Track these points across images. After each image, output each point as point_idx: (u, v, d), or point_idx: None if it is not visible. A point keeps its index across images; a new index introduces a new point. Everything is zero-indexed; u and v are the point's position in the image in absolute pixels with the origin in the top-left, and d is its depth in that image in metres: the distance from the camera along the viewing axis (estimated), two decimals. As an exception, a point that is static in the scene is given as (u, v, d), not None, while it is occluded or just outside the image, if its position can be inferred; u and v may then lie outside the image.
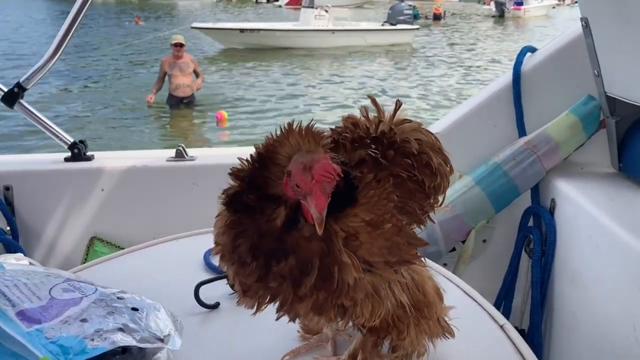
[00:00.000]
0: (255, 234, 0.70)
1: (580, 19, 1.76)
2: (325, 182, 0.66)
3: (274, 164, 0.70)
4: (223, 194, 0.74)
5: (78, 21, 2.02)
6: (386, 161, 0.80)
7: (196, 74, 8.96)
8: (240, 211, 0.72)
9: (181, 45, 8.55)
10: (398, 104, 0.86)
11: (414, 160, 0.82)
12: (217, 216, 0.77)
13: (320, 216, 0.66)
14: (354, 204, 0.72)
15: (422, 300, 0.84)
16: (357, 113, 0.88)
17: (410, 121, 0.86)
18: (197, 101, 9.39)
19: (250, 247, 0.70)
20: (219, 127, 9.07)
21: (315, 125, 0.71)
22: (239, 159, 0.75)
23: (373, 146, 0.80)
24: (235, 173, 0.74)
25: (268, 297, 0.73)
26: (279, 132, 0.71)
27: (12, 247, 2.02)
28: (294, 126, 0.70)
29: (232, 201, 0.73)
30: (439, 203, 0.87)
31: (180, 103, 9.08)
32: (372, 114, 0.87)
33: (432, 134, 0.87)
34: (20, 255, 1.60)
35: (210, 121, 9.23)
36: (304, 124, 0.71)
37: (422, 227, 0.84)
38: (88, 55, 15.10)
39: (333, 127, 0.86)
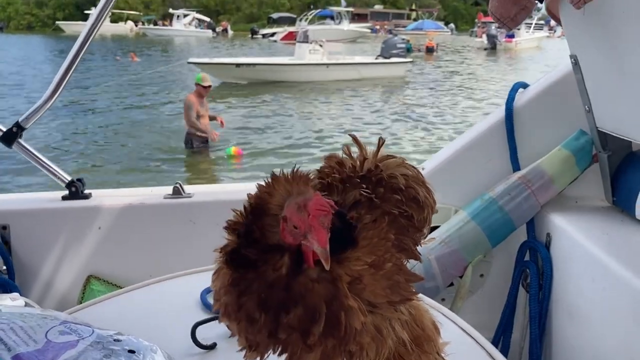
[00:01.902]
0: (262, 287, 0.69)
1: (570, 56, 1.80)
2: (321, 215, 0.67)
3: (267, 215, 0.70)
4: (221, 252, 0.73)
5: (77, 61, 2.03)
6: (378, 199, 0.80)
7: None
8: (242, 267, 0.71)
9: (210, 86, 8.37)
10: (381, 141, 0.87)
11: (402, 195, 0.83)
12: (214, 273, 0.75)
13: (325, 250, 0.66)
14: (355, 245, 0.72)
15: (421, 335, 0.84)
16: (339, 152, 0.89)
17: (394, 157, 0.87)
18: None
19: (258, 302, 0.69)
20: (234, 160, 8.96)
21: (299, 169, 0.71)
22: (233, 210, 0.74)
23: (364, 185, 0.81)
24: (231, 227, 0.73)
25: (279, 350, 0.71)
26: (266, 182, 0.72)
27: (8, 287, 2.00)
28: (279, 174, 0.71)
29: (233, 258, 0.71)
30: (425, 236, 0.88)
31: (205, 143, 8.81)
32: (356, 152, 0.88)
33: (415, 167, 0.88)
34: (16, 295, 1.58)
35: (226, 158, 9.05)
36: (289, 170, 0.71)
37: (418, 262, 0.85)
38: (87, 93, 15.12)
39: (318, 168, 0.86)
